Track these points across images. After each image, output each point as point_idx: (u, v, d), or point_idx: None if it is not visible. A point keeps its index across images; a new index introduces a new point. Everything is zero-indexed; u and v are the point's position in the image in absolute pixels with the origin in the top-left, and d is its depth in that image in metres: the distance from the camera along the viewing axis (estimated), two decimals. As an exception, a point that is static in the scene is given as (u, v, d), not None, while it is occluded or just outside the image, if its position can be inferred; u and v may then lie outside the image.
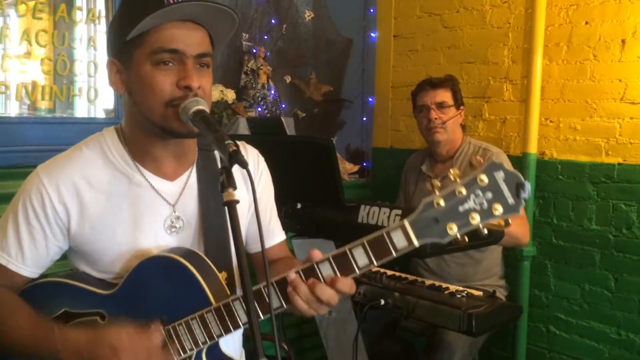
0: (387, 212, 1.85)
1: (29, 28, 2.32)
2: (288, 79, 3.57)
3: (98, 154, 1.29)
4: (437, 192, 1.11)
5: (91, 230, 1.26)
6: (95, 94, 2.47)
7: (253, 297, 1.12)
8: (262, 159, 1.45)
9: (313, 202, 2.06)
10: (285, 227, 1.54)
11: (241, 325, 1.20)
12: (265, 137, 2.30)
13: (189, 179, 1.33)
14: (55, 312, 1.28)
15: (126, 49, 1.21)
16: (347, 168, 3.44)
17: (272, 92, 3.37)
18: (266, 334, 1.32)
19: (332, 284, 1.13)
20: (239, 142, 1.41)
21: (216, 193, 1.27)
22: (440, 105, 2.60)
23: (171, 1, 1.14)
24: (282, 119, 2.35)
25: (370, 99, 3.71)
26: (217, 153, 1.37)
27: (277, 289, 1.17)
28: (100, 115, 2.57)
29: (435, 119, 2.59)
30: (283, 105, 3.47)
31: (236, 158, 1.04)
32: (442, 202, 1.09)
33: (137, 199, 1.28)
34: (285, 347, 2.29)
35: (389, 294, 2.16)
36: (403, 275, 2.33)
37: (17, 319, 1.24)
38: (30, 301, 1.28)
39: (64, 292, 1.28)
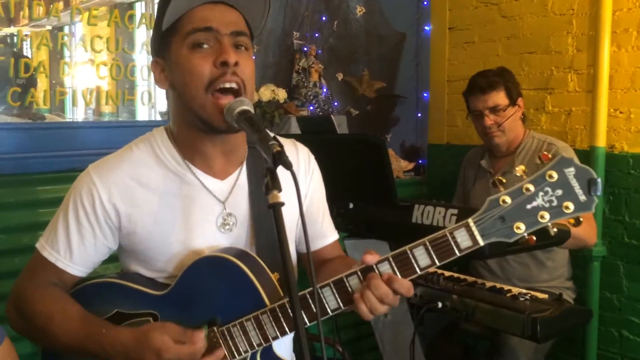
0: (443, 212, 1.77)
1: (92, 35, 2.40)
2: (340, 76, 3.52)
3: (149, 154, 1.28)
4: (503, 190, 1.06)
5: (142, 230, 1.26)
6: (153, 97, 2.51)
7: (299, 300, 1.05)
8: (312, 157, 1.42)
9: (365, 201, 2.00)
10: (337, 227, 1.50)
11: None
12: (316, 135, 2.26)
13: (239, 178, 1.31)
14: (108, 313, 1.27)
15: (164, 41, 1.22)
16: (401, 166, 3.36)
17: (324, 90, 3.33)
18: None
19: (388, 282, 1.10)
20: (290, 139, 1.40)
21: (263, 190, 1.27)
22: (494, 109, 2.45)
23: None
24: (333, 117, 2.31)
25: (425, 94, 3.60)
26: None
27: (334, 290, 1.14)
28: (159, 117, 2.62)
29: (491, 124, 2.46)
30: (335, 103, 3.42)
31: (280, 159, 1.00)
32: (508, 200, 1.06)
33: (188, 198, 1.27)
34: (340, 348, 2.23)
35: (447, 296, 2.07)
36: (462, 276, 2.23)
37: (66, 317, 1.23)
38: (83, 302, 1.27)
39: (116, 293, 1.28)
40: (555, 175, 1.04)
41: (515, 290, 2.04)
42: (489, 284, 2.15)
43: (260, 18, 1.26)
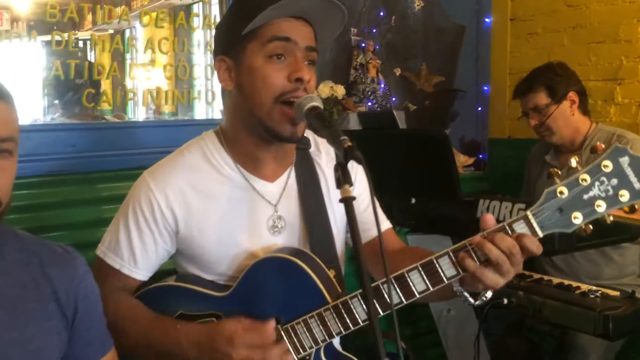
0: (509, 207, 1.74)
1: (152, 37, 2.48)
2: (398, 71, 3.51)
3: (200, 158, 1.32)
4: (559, 181, 1.09)
5: (198, 234, 1.30)
6: (213, 96, 2.57)
7: (372, 294, 1.12)
8: None
9: (428, 196, 1.99)
10: (399, 223, 1.51)
11: (360, 323, 1.19)
12: (377, 131, 2.26)
13: (289, 180, 1.35)
14: (172, 315, 1.31)
15: (239, 44, 1.24)
16: (461, 160, 3.32)
17: (382, 85, 3.32)
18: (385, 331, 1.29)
19: (517, 239, 1.10)
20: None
21: (315, 191, 1.34)
22: (536, 109, 2.41)
23: None
24: (395, 112, 2.30)
25: (485, 88, 3.54)
26: (320, 150, 1.40)
27: (422, 272, 1.16)
28: (218, 116, 2.68)
29: (536, 124, 2.42)
30: (393, 99, 3.41)
31: (352, 154, 1.03)
32: (565, 191, 1.08)
33: (240, 202, 1.31)
34: (403, 345, 2.23)
35: (513, 292, 2.02)
36: (527, 272, 2.19)
37: (137, 317, 1.29)
38: (147, 304, 1.32)
39: (179, 295, 1.32)
40: (610, 164, 1.06)
41: (585, 287, 1.98)
42: (556, 280, 2.09)
43: (331, 36, 1.32)
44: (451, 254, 1.15)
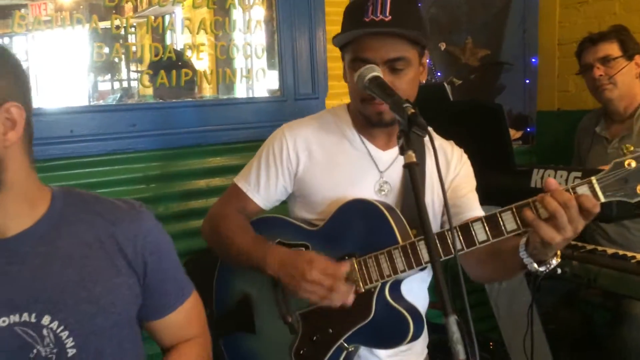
0: (565, 175, 1.74)
1: (193, 19, 2.50)
2: (443, 46, 3.47)
3: (331, 121, 1.56)
4: (629, 154, 1.14)
5: (312, 179, 1.51)
6: (263, 75, 2.61)
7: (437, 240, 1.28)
8: (465, 156, 1.60)
9: (482, 167, 2.00)
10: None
11: (423, 263, 1.32)
12: (429, 103, 2.26)
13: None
14: (272, 241, 1.53)
15: (342, 48, 1.47)
16: (509, 134, 3.29)
17: (427, 60, 3.31)
18: (435, 302, 1.35)
19: (576, 196, 1.15)
20: (450, 141, 1.60)
21: (421, 166, 1.49)
22: (605, 60, 2.37)
23: (368, 20, 1.34)
24: (445, 84, 2.30)
25: (533, 60, 3.48)
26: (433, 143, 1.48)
27: (485, 224, 1.25)
28: (260, 95, 2.72)
29: (601, 75, 2.37)
30: (438, 74, 3.39)
31: (415, 120, 1.06)
32: (633, 164, 1.13)
33: (355, 160, 1.50)
34: (457, 318, 2.26)
35: (567, 262, 2.04)
36: (579, 244, 2.18)
37: (245, 231, 1.54)
38: (256, 228, 1.56)
39: (280, 226, 1.56)
40: None
41: (640, 256, 1.97)
42: (610, 250, 2.08)
43: (418, 24, 1.41)
44: (514, 209, 1.22)
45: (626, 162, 1.14)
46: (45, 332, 1.06)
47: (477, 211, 1.52)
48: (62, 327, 1.07)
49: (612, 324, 2.25)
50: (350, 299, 1.36)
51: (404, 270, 1.35)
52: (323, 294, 1.34)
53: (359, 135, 1.52)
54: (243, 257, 1.49)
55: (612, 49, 2.37)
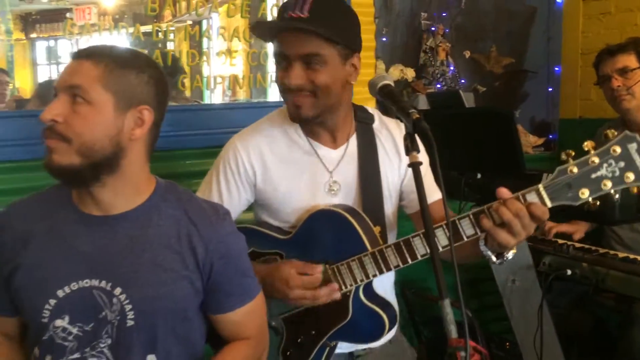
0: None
1: (227, 27, 2.65)
2: (467, 54, 3.56)
3: (278, 127, 1.56)
4: (571, 161, 1.23)
5: (271, 188, 1.54)
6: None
7: (404, 245, 1.39)
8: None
9: (493, 171, 2.09)
10: (466, 197, 1.63)
11: (392, 268, 1.42)
12: (445, 110, 2.37)
13: (348, 147, 1.55)
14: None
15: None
16: (530, 141, 3.35)
17: (451, 68, 3.40)
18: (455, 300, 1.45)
19: (527, 205, 1.26)
20: (395, 120, 1.62)
21: (372, 159, 1.54)
22: (623, 71, 2.41)
23: (288, 16, 1.39)
24: (461, 92, 2.40)
25: (556, 68, 3.54)
26: (382, 126, 1.59)
27: (422, 239, 1.37)
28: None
29: (619, 86, 2.42)
30: (462, 81, 3.48)
31: (419, 125, 1.17)
32: (575, 170, 1.22)
33: (305, 164, 1.54)
34: (469, 313, 2.35)
35: (577, 264, 2.11)
36: (593, 247, 2.25)
37: None
38: None
39: (253, 236, 1.56)
40: (618, 149, 1.19)
41: (650, 260, 2.03)
42: (621, 254, 2.15)
43: (338, 25, 1.42)
44: (471, 216, 1.33)
45: (569, 169, 1.22)
46: (114, 300, 1.22)
47: (435, 194, 1.58)
48: (127, 301, 1.22)
49: (622, 326, 2.30)
50: (336, 295, 1.45)
51: (375, 275, 1.44)
52: (309, 303, 1.46)
53: (306, 137, 1.54)
54: None
55: (630, 60, 2.41)
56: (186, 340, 1.31)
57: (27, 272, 1.23)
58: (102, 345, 1.22)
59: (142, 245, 1.25)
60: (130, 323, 1.23)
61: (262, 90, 2.90)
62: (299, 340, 1.54)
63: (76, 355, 1.22)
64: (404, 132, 1.51)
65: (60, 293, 1.21)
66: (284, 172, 1.53)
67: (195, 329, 1.33)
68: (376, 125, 1.60)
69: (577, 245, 2.28)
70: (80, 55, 1.20)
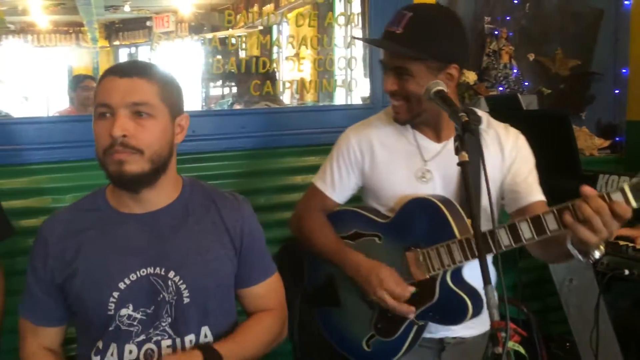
0: (628, 180, 1.85)
1: (296, 36, 2.83)
2: (531, 56, 3.57)
3: (388, 121, 1.76)
4: None
5: (376, 173, 1.75)
6: (355, 83, 2.90)
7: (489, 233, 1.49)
8: (521, 137, 1.74)
9: (550, 172, 2.14)
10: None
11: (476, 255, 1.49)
12: (504, 113, 2.42)
13: (448, 144, 1.69)
14: (349, 231, 1.80)
15: None
16: (596, 143, 3.33)
17: (515, 71, 3.43)
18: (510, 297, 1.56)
19: (609, 203, 1.31)
20: (504, 124, 1.76)
21: (473, 158, 1.57)
22: None
23: (387, 29, 1.55)
24: (519, 95, 2.45)
25: (624, 70, 3.50)
26: (489, 129, 1.71)
27: (530, 223, 1.44)
28: (355, 102, 3.02)
29: None
30: (526, 83, 3.50)
31: (467, 127, 1.30)
32: None
33: (405, 153, 1.72)
34: (525, 309, 2.41)
35: (635, 264, 2.14)
36: (652, 248, 2.26)
37: (325, 235, 1.81)
38: (335, 221, 1.84)
39: (356, 218, 1.80)
40: None
41: None
42: (682, 256, 2.15)
43: (443, 45, 1.58)
44: (555, 211, 1.40)
45: None
46: (169, 283, 1.40)
47: (536, 195, 1.66)
48: (181, 281, 1.40)
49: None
50: (410, 316, 1.62)
51: (461, 261, 1.56)
52: (384, 306, 1.64)
53: (412, 130, 1.72)
54: (324, 256, 1.79)
55: None
56: (229, 312, 1.52)
57: (86, 274, 1.38)
58: (163, 324, 1.40)
59: (184, 232, 1.44)
60: (186, 300, 1.41)
61: (327, 94, 3.07)
62: (389, 315, 1.69)
63: (142, 337, 1.39)
64: (512, 135, 1.72)
65: (121, 285, 1.37)
66: (387, 159, 1.73)
67: (232, 301, 1.54)
68: (483, 126, 1.71)
69: (638, 246, 2.29)
70: (131, 74, 1.34)
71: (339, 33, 2.89)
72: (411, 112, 1.63)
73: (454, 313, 1.63)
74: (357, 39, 1.65)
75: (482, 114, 1.74)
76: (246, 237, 1.50)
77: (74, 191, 2.17)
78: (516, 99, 2.32)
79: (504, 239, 1.47)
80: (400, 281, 1.63)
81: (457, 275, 1.63)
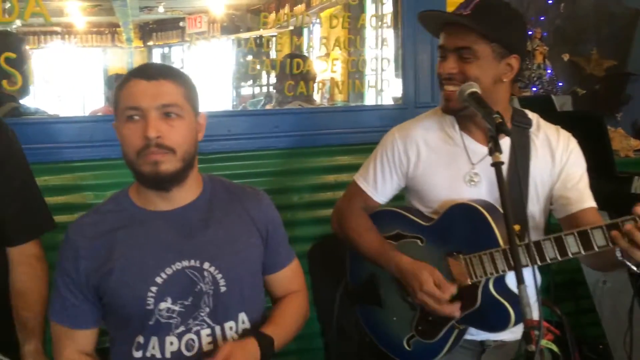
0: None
1: (328, 37, 2.85)
2: (566, 57, 3.55)
3: (435, 121, 1.74)
4: None
5: (421, 175, 1.73)
6: (387, 84, 2.92)
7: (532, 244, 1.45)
8: (572, 140, 1.69)
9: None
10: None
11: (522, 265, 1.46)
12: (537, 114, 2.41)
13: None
14: (391, 232, 1.78)
15: None
16: (631, 144, 3.27)
17: (549, 71, 3.40)
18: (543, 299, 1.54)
19: None
20: (556, 126, 1.71)
21: (523, 161, 1.62)
22: None
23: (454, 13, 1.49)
24: (553, 96, 2.43)
25: (662, 71, 3.44)
26: (539, 132, 1.67)
27: (577, 237, 1.41)
28: (386, 102, 3.04)
29: None
30: (560, 84, 3.47)
31: (501, 128, 1.31)
32: None
33: (452, 155, 1.68)
34: (558, 311, 2.38)
35: (671, 268, 2.10)
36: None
37: (369, 235, 1.78)
38: (377, 221, 1.81)
39: (399, 219, 1.77)
40: None
41: None
42: None
43: (508, 32, 1.55)
44: (604, 228, 1.37)
45: None
46: (205, 273, 1.43)
47: (588, 201, 1.62)
48: (217, 271, 1.44)
49: None
50: (456, 315, 1.59)
51: (504, 270, 1.52)
52: (427, 308, 1.62)
53: (460, 131, 1.68)
54: (368, 257, 1.77)
55: None
56: (260, 297, 1.58)
57: (122, 272, 1.40)
58: (202, 314, 1.44)
59: (214, 225, 1.49)
60: (223, 289, 1.45)
61: (359, 94, 3.09)
62: (430, 318, 1.68)
63: (182, 329, 1.42)
64: (563, 138, 1.67)
65: (158, 280, 1.40)
66: (434, 161, 1.70)
67: (262, 287, 1.60)
68: (533, 129, 1.68)
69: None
70: (157, 76, 1.38)
71: (370, 34, 2.91)
72: (463, 100, 1.55)
73: (495, 321, 1.60)
74: (425, 12, 1.59)
75: (533, 115, 1.72)
76: (270, 225, 1.56)
77: (114, 187, 2.22)
78: (550, 100, 2.31)
79: (549, 251, 1.45)
80: (442, 281, 1.59)
81: (501, 283, 1.59)
